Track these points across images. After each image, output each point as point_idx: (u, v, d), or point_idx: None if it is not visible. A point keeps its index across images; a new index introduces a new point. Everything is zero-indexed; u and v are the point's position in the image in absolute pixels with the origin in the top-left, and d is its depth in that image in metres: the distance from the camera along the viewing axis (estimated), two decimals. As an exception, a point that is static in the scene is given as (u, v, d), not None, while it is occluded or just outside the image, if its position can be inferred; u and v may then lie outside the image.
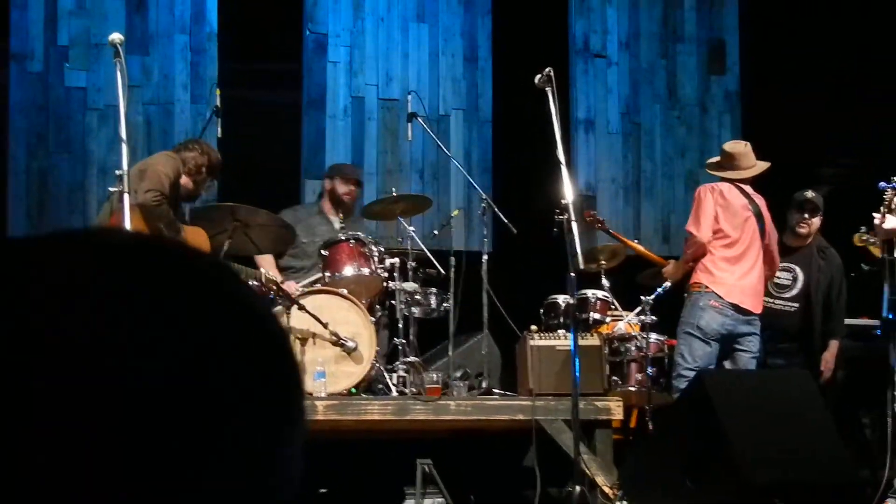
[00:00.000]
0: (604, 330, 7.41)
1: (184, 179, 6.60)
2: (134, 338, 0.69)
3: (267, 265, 7.19)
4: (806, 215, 7.54)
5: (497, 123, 9.58)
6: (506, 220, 7.35)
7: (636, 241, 8.46)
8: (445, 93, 9.53)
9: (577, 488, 5.75)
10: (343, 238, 7.14)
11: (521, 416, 6.62)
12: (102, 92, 8.58)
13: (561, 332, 7.09)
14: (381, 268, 7.12)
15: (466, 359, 7.35)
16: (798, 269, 7.61)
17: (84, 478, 0.66)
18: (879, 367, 6.73)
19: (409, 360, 6.97)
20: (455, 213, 8.20)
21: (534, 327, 7.14)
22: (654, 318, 7.18)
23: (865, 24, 9.65)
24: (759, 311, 7.04)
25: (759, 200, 7.19)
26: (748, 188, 7.17)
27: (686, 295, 7.06)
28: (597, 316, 7.57)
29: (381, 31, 9.45)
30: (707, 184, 7.24)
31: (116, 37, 5.65)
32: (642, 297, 7.18)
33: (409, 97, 8.11)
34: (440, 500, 6.15)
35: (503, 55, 9.60)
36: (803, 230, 7.57)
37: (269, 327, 0.76)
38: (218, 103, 7.65)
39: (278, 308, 6.55)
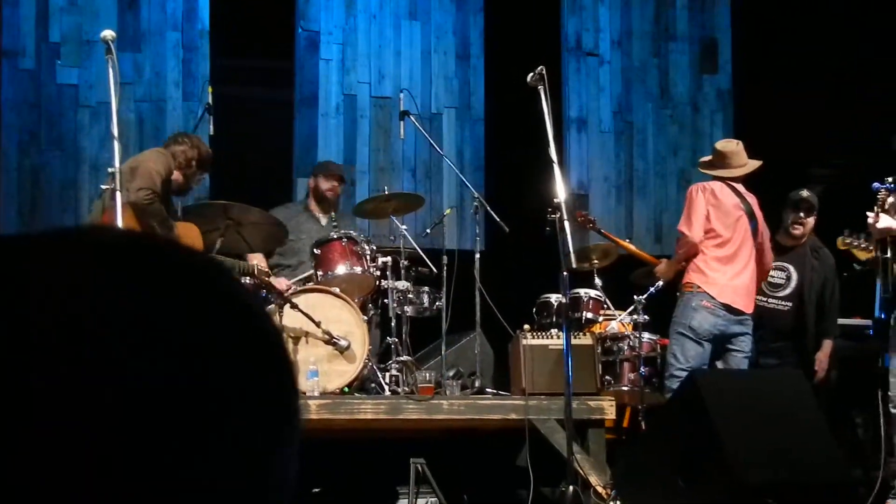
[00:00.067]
0: (596, 329, 7.42)
1: (174, 174, 6.58)
2: (133, 337, 0.68)
3: (258, 263, 7.18)
4: (801, 214, 7.56)
5: (489, 122, 9.59)
6: (498, 219, 7.34)
7: (628, 240, 8.47)
8: (438, 91, 9.53)
9: (571, 488, 5.75)
10: (335, 236, 7.14)
11: (514, 416, 6.61)
12: (94, 89, 8.56)
13: (553, 331, 7.09)
14: (374, 266, 7.12)
15: (459, 358, 7.35)
16: (792, 269, 7.62)
17: (84, 478, 0.66)
18: (872, 366, 6.75)
19: (401, 359, 6.96)
20: (448, 211, 8.19)
21: (526, 326, 7.14)
22: (646, 317, 7.19)
23: (856, 23, 9.66)
24: (750, 310, 7.05)
25: (752, 199, 7.19)
26: (740, 187, 7.18)
27: (678, 295, 7.07)
28: (589, 315, 7.58)
29: (373, 28, 9.44)
30: (698, 183, 7.25)
31: (108, 34, 5.64)
32: (635, 297, 7.19)
33: (402, 95, 8.11)
34: (433, 499, 6.15)
35: (495, 53, 9.61)
36: (798, 230, 7.58)
37: (266, 326, 0.76)
38: (210, 101, 7.65)
39: (271, 307, 6.54)
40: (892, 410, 6.32)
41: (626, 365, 7.24)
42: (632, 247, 8.25)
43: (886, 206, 6.47)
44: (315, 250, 7.12)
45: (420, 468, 5.99)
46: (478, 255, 7.30)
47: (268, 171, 9.15)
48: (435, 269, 7.32)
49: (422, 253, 7.42)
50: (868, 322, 7.15)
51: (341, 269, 7.05)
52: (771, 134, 8.42)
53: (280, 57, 9.42)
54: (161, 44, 8.90)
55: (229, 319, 0.74)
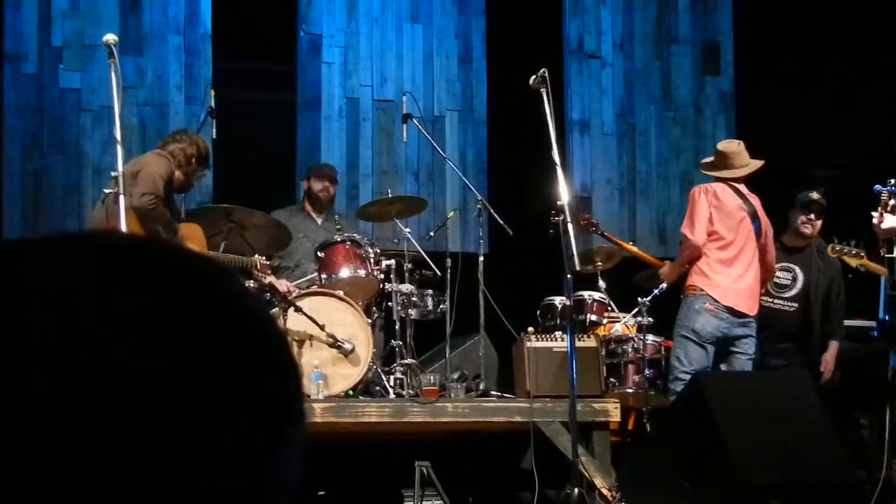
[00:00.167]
0: (600, 331, 7.42)
1: (175, 173, 6.56)
2: (133, 337, 0.69)
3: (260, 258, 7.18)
4: (812, 216, 7.55)
5: (492, 124, 9.59)
6: (501, 222, 7.34)
7: (631, 242, 8.46)
8: (440, 94, 9.54)
9: (576, 490, 5.74)
10: (339, 239, 7.14)
11: (518, 418, 6.61)
12: (96, 93, 8.57)
13: (558, 333, 7.09)
14: (378, 269, 7.13)
15: (463, 360, 7.35)
16: (798, 269, 7.62)
17: (84, 478, 0.66)
18: (876, 367, 6.74)
19: (406, 361, 6.96)
20: (451, 214, 8.20)
21: (530, 329, 7.14)
22: (650, 319, 7.19)
23: (858, 26, 9.66)
24: (754, 312, 7.03)
25: (754, 200, 7.18)
26: (742, 188, 7.17)
27: (682, 297, 7.06)
28: (593, 317, 7.58)
29: (375, 31, 9.45)
30: (701, 184, 7.23)
31: (110, 38, 5.64)
32: (639, 299, 7.19)
33: (404, 98, 8.12)
34: (438, 502, 6.14)
35: (498, 56, 9.61)
36: (807, 230, 7.58)
37: (268, 328, 0.76)
38: (212, 104, 7.65)
39: (275, 310, 6.55)
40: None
41: (631, 367, 7.24)
42: (635, 249, 8.24)
43: (889, 208, 6.47)
44: (319, 253, 7.13)
45: (425, 471, 5.98)
46: (481, 258, 7.30)
47: (270, 174, 9.17)
48: (439, 272, 7.32)
49: (425, 256, 7.43)
50: (872, 323, 7.14)
51: (345, 273, 7.05)
52: (773, 136, 8.41)
53: (282, 60, 9.43)
54: (163, 47, 8.91)
55: (229, 320, 0.74)
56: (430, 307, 7.30)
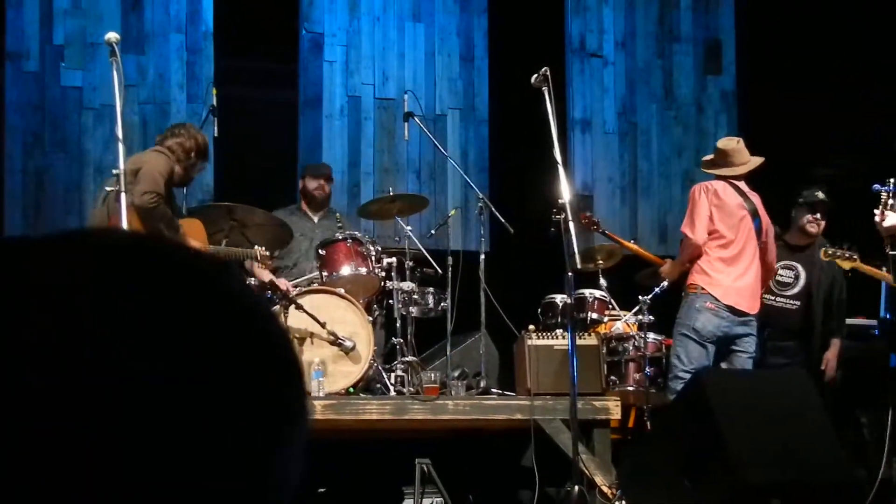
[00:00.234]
0: (601, 329, 7.41)
1: (175, 168, 6.55)
2: (133, 337, 0.69)
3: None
4: (818, 216, 7.55)
5: (493, 123, 9.58)
6: (503, 220, 7.35)
7: (633, 241, 8.45)
8: (442, 92, 9.53)
9: (576, 488, 5.75)
10: (340, 237, 7.15)
11: (519, 416, 6.61)
12: (98, 91, 8.57)
13: (559, 331, 7.09)
14: (379, 267, 7.13)
15: (464, 358, 7.35)
16: (800, 268, 7.61)
17: (84, 478, 0.66)
18: (877, 366, 6.74)
19: (406, 359, 6.97)
20: (452, 212, 8.19)
21: (531, 327, 7.14)
22: (651, 317, 7.18)
23: (861, 25, 9.65)
24: (755, 311, 7.02)
25: (755, 198, 7.17)
26: (743, 185, 7.16)
27: (683, 295, 7.05)
28: (594, 315, 7.58)
29: (377, 30, 9.45)
30: (701, 183, 7.22)
31: (112, 36, 5.64)
32: (640, 297, 7.19)
33: (406, 97, 8.13)
34: (438, 499, 6.15)
35: (499, 55, 9.60)
36: (813, 230, 7.57)
37: (269, 327, 0.76)
38: (214, 102, 7.65)
39: (276, 307, 6.55)
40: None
41: (632, 365, 7.24)
42: (636, 247, 8.23)
43: (889, 207, 6.48)
44: (320, 251, 7.13)
45: (425, 468, 5.99)
46: (483, 256, 7.29)
47: (272, 173, 9.16)
48: (440, 270, 7.32)
49: (427, 254, 7.43)
50: (873, 322, 7.14)
51: (346, 270, 7.06)
52: (775, 135, 8.41)
53: (284, 59, 9.43)
54: (165, 46, 8.91)
55: (230, 319, 0.74)
56: (431, 305, 7.30)
